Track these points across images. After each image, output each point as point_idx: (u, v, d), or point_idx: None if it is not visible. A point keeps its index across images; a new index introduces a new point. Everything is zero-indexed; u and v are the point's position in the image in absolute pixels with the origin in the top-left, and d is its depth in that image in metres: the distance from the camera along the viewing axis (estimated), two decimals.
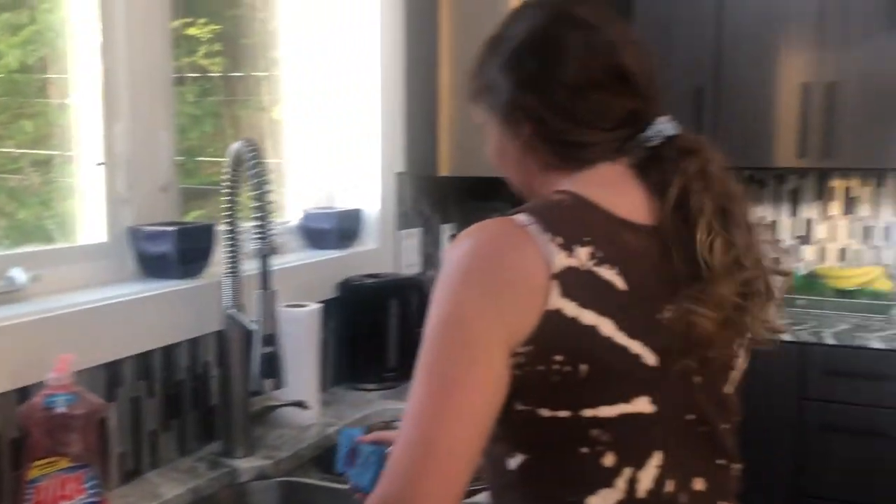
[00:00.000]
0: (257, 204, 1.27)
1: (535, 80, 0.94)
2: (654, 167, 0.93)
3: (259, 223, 1.28)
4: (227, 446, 1.49)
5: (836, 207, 3.10)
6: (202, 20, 1.84)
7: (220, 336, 1.52)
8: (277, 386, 1.33)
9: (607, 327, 0.84)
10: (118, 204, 1.48)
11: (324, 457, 1.57)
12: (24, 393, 1.16)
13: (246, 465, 1.46)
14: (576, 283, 0.83)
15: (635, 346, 0.85)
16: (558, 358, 0.83)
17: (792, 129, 2.78)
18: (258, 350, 1.33)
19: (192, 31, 1.82)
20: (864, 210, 3.07)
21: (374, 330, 1.92)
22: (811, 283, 2.97)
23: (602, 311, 0.83)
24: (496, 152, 1.01)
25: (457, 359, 0.82)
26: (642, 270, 0.87)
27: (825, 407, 2.54)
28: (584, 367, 0.83)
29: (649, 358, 0.85)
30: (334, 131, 2.11)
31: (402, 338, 1.92)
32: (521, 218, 0.86)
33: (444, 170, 2.22)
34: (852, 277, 2.89)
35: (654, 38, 2.91)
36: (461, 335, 0.82)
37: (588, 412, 0.85)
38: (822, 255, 3.14)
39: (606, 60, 0.93)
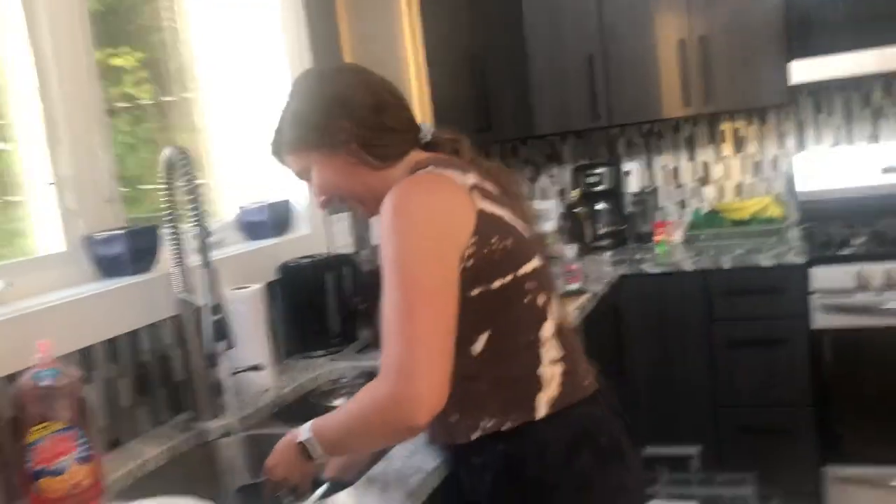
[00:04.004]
0: (190, 196, 1.50)
1: (347, 111, 1.29)
2: (438, 147, 1.37)
3: (194, 212, 1.50)
4: (195, 413, 1.73)
5: (727, 148, 3.43)
6: (125, 49, 1.96)
7: (175, 320, 1.75)
8: (228, 346, 1.56)
9: (507, 216, 1.24)
10: (71, 216, 1.69)
11: (282, 412, 1.82)
12: (11, 379, 1.38)
13: (213, 425, 1.69)
14: (482, 192, 1.23)
15: (520, 227, 1.26)
16: (494, 239, 1.20)
17: (674, 82, 3.09)
18: (208, 319, 1.56)
19: (117, 61, 1.95)
20: (751, 147, 3.40)
21: (315, 304, 2.15)
22: (711, 218, 3.29)
23: (500, 206, 1.24)
24: (334, 180, 1.32)
25: (431, 270, 1.14)
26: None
27: (730, 325, 2.86)
28: (510, 241, 1.22)
29: (526, 233, 1.28)
30: (260, 135, 2.34)
31: (340, 306, 2.16)
32: (430, 169, 1.24)
33: None
34: (746, 208, 3.22)
35: (543, 15, 3.20)
36: (433, 250, 1.15)
37: (521, 271, 1.23)
38: (721, 192, 3.47)
39: (386, 87, 1.34)
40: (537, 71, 3.26)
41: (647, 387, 2.98)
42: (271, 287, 2.12)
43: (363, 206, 1.36)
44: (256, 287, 1.92)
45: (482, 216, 1.20)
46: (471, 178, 1.24)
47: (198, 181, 1.54)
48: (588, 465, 1.22)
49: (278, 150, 1.38)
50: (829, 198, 3.19)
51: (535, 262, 1.26)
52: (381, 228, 1.17)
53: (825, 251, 2.74)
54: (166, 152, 1.59)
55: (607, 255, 3.27)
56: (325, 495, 1.25)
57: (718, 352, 2.87)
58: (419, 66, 2.44)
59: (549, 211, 3.59)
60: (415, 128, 1.36)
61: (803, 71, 2.87)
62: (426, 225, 1.16)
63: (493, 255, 1.20)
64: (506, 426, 1.22)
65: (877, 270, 2.63)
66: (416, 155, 1.33)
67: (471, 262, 1.18)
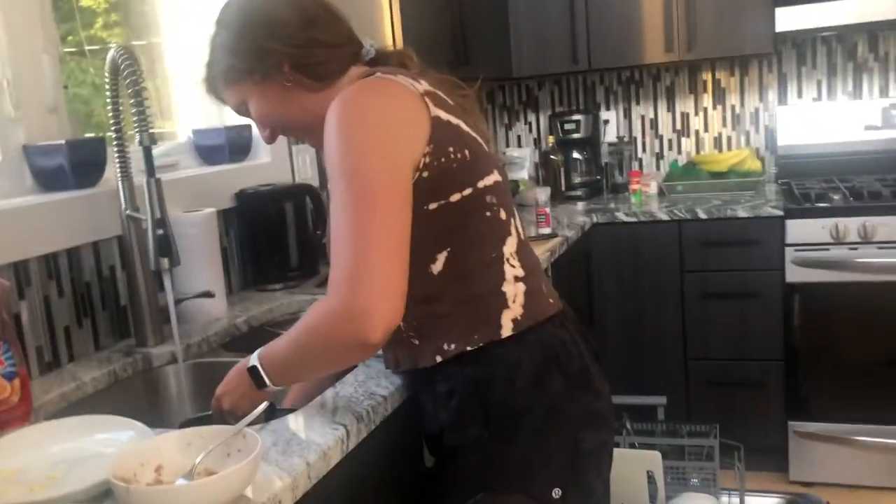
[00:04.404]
0: (135, 100, 1.38)
1: (273, 31, 1.18)
2: (383, 65, 1.25)
3: (138, 117, 1.39)
4: (139, 339, 1.63)
5: (707, 100, 3.35)
6: None
7: (121, 241, 1.65)
8: (172, 263, 1.46)
9: (463, 126, 1.16)
10: (8, 124, 1.57)
11: (233, 343, 1.72)
12: None
13: (158, 351, 1.60)
14: (435, 99, 1.14)
15: (478, 138, 1.18)
16: (451, 149, 1.11)
17: (657, 27, 2.99)
18: (151, 234, 1.45)
19: (86, 1, 1.84)
20: (732, 99, 3.32)
21: (273, 234, 2.05)
22: (689, 170, 3.22)
23: (456, 116, 1.15)
24: (273, 109, 1.22)
25: (382, 176, 1.04)
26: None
27: (703, 276, 2.81)
28: (467, 152, 1.14)
29: (486, 147, 1.20)
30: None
31: (301, 239, 2.07)
32: (377, 75, 1.14)
33: None
34: (724, 160, 3.15)
35: None
36: (384, 155, 1.05)
37: (480, 183, 1.15)
38: (700, 144, 3.39)
39: (317, 1, 1.22)
40: (517, 8, 3.14)
41: (617, 335, 2.92)
42: (227, 214, 2.01)
43: (308, 135, 1.26)
44: (209, 210, 1.81)
45: (437, 123, 1.11)
46: (423, 85, 1.15)
47: (142, 79, 1.42)
48: (558, 391, 1.15)
49: (213, 85, 1.27)
50: (810, 153, 3.13)
51: (495, 176, 1.18)
52: (326, 135, 1.07)
53: (802, 204, 2.68)
54: (111, 53, 1.46)
55: (581, 204, 3.20)
56: (269, 418, 1.16)
57: (690, 303, 2.82)
58: None
59: (523, 158, 3.50)
60: (354, 42, 1.25)
61: (787, 19, 2.79)
62: (375, 129, 1.06)
63: (450, 165, 1.11)
64: (471, 346, 1.15)
65: (852, 224, 2.58)
66: (359, 70, 1.23)
67: (426, 172, 1.09)
